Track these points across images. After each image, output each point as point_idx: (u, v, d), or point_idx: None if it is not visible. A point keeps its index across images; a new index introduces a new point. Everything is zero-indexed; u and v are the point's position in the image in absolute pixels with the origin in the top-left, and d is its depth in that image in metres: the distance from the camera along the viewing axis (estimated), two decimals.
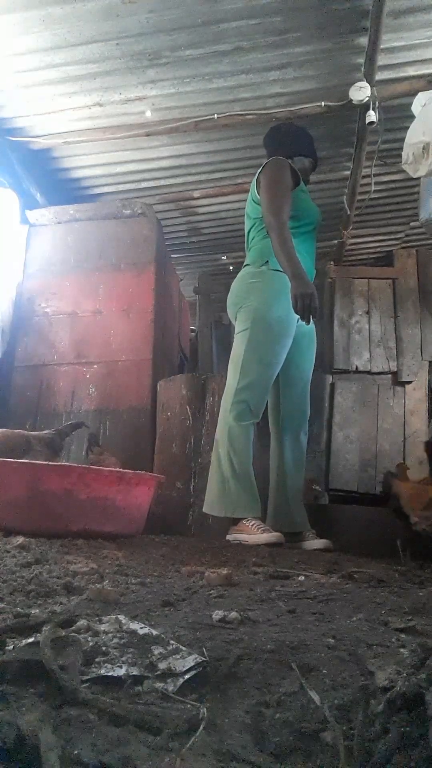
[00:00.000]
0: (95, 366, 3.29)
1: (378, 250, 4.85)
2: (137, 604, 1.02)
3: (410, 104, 2.66)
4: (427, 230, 3.26)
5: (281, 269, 2.32)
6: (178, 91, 3.07)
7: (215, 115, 3.20)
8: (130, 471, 2.08)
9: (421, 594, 1.26)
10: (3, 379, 3.34)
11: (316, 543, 2.33)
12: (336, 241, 4.47)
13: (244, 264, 2.61)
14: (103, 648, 0.71)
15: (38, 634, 0.72)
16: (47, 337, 3.38)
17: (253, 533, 2.22)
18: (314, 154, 2.76)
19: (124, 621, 0.80)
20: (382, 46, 2.67)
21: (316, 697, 0.63)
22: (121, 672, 0.66)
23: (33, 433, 2.40)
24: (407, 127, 2.59)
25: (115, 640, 0.73)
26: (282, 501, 2.48)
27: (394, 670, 0.66)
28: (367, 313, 4.32)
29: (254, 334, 2.38)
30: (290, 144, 2.70)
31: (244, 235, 2.73)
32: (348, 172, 3.67)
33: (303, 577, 1.42)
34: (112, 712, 0.57)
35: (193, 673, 0.67)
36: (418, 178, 2.65)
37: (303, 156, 2.70)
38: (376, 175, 3.52)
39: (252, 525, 2.26)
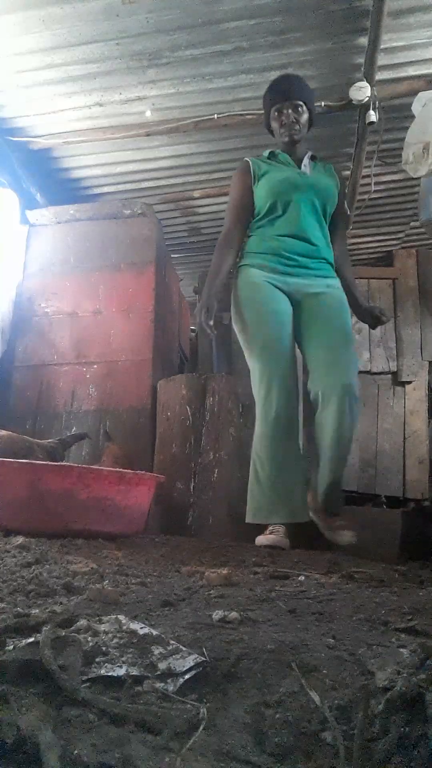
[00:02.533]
0: (95, 366, 3.29)
1: (378, 250, 4.85)
2: (137, 604, 1.02)
3: (410, 104, 2.67)
4: (427, 230, 3.26)
5: (249, 263, 2.35)
6: (178, 91, 3.07)
7: (215, 115, 3.20)
8: (130, 471, 2.08)
9: (421, 594, 1.26)
10: (3, 379, 3.34)
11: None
12: None
13: None
14: (103, 648, 0.71)
15: (38, 634, 0.72)
16: (47, 337, 3.38)
17: (263, 534, 2.18)
18: (274, 100, 2.39)
19: (124, 621, 0.80)
20: (382, 46, 2.67)
21: (316, 697, 0.63)
22: (121, 672, 0.66)
23: (36, 440, 2.39)
24: (407, 127, 2.59)
25: (115, 640, 0.73)
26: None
27: (394, 670, 0.66)
28: None
29: (238, 333, 2.37)
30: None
31: None
32: (348, 172, 3.68)
33: (303, 577, 1.42)
34: (112, 712, 0.57)
35: (193, 673, 0.67)
36: (418, 178, 2.66)
37: (267, 118, 2.46)
38: (376, 175, 3.52)
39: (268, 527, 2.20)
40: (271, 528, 2.18)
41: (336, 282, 2.38)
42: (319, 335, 2.28)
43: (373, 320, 2.44)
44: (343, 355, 2.23)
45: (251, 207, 2.39)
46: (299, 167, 2.40)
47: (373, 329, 2.61)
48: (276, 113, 2.40)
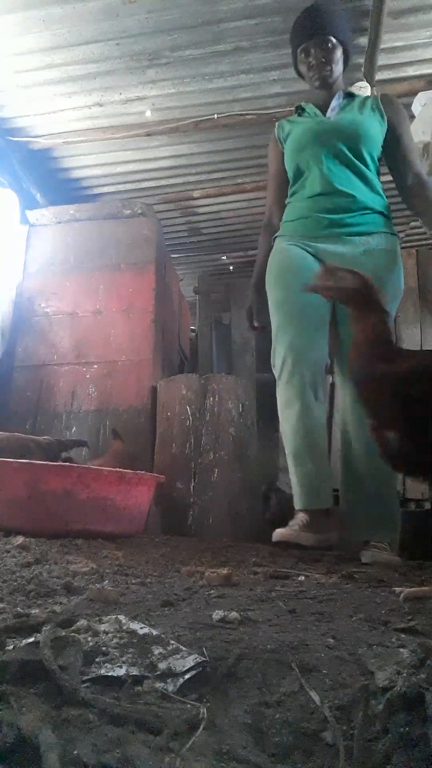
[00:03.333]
0: (95, 366, 3.28)
1: None
2: (137, 604, 1.02)
3: (410, 104, 2.66)
4: (428, 230, 3.25)
5: (281, 234, 2.14)
6: (178, 91, 3.07)
7: (215, 115, 3.20)
8: (129, 471, 2.08)
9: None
10: (3, 379, 3.34)
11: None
12: None
13: None
14: (103, 648, 0.71)
15: (38, 634, 0.72)
16: (47, 337, 3.38)
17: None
18: (298, 40, 2.09)
19: (124, 621, 0.80)
20: (382, 46, 2.67)
21: (316, 697, 0.62)
22: (121, 672, 0.66)
23: (32, 436, 2.39)
24: None
25: (115, 640, 0.73)
26: None
27: (394, 670, 0.66)
28: None
29: (269, 306, 2.12)
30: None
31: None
32: None
33: (303, 577, 1.42)
34: (112, 712, 0.57)
35: (193, 673, 0.67)
36: None
37: (295, 62, 2.17)
38: None
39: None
40: (296, 520, 1.90)
41: (384, 238, 2.05)
42: (343, 319, 1.98)
43: None
44: None
45: (286, 175, 2.17)
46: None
47: None
48: (303, 55, 2.08)
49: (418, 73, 2.94)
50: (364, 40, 2.70)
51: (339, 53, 2.08)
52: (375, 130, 2.07)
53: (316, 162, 2.05)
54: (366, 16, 2.56)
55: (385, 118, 2.09)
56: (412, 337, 4.23)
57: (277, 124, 2.24)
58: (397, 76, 2.97)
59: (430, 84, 2.91)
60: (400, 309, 4.28)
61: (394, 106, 2.14)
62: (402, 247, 4.92)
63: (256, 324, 2.18)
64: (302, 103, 2.23)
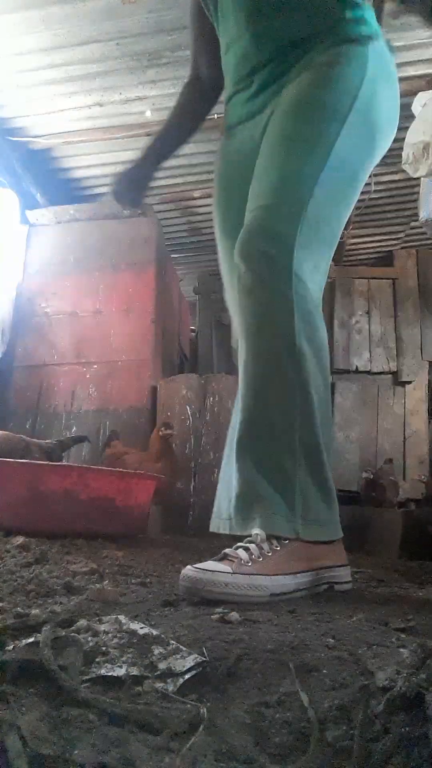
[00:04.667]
0: (95, 366, 3.28)
1: (378, 250, 4.85)
2: (137, 604, 1.02)
3: (410, 104, 2.66)
4: (428, 230, 3.26)
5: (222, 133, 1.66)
6: (178, 91, 3.06)
7: (215, 115, 3.19)
8: (130, 471, 2.08)
9: (421, 594, 1.26)
10: (3, 379, 3.34)
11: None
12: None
13: None
14: (103, 648, 0.71)
15: (38, 634, 0.71)
16: (47, 337, 3.38)
17: None
18: None
19: (124, 621, 0.80)
20: None
21: (305, 698, 0.62)
22: (121, 672, 0.66)
23: (33, 440, 2.39)
24: (407, 127, 2.59)
25: (115, 640, 0.73)
26: None
27: (394, 670, 0.66)
28: (367, 313, 4.34)
29: None
30: None
31: None
32: None
33: None
34: (112, 712, 0.57)
35: (193, 673, 0.67)
36: (418, 178, 2.66)
37: None
38: (376, 175, 3.52)
39: None
40: None
41: (314, 59, 1.29)
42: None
43: None
44: (270, 172, 1.28)
45: (207, 15, 1.51)
46: None
47: None
48: None
49: (418, 73, 2.94)
50: None
51: None
52: None
53: None
54: None
55: None
56: (412, 337, 4.23)
57: None
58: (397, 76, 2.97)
59: (430, 84, 2.91)
60: (400, 309, 4.30)
61: None
62: (402, 248, 4.92)
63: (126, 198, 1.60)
64: None
